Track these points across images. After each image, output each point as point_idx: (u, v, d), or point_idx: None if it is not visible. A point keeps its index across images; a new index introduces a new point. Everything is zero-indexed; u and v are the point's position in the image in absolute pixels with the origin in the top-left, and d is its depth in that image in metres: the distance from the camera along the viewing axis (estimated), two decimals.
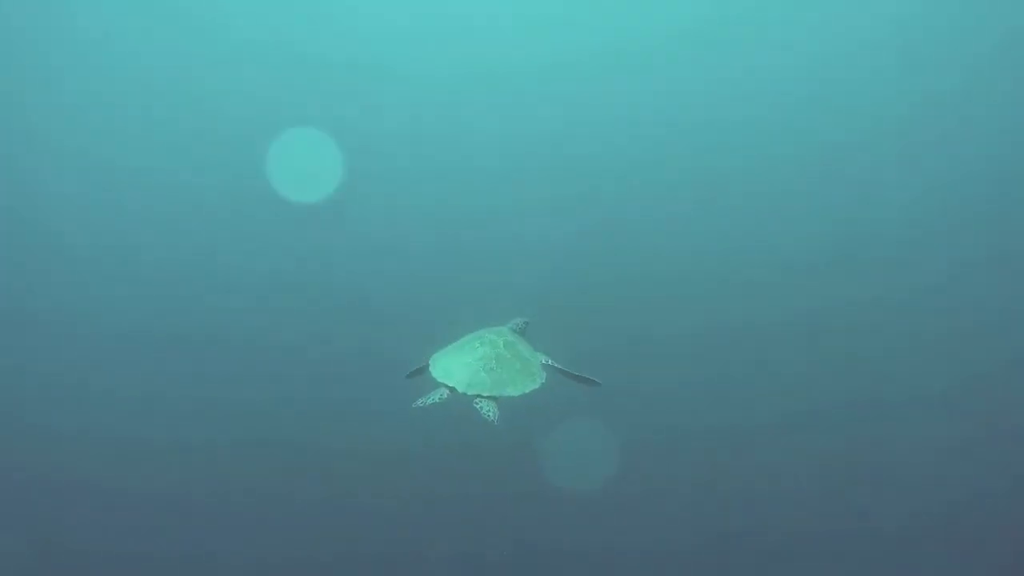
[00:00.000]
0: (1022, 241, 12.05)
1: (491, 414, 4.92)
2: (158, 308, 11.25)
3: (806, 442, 9.43)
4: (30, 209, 12.01)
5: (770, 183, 13.53)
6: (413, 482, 8.28)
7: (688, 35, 14.41)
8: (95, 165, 12.60)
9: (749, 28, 14.31)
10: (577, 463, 8.33)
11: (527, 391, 5.13)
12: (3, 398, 9.44)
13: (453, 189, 13.78)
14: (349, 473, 8.54)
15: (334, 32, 14.09)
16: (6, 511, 8.04)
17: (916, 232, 12.73)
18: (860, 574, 8.09)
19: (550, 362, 5.64)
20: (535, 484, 8.15)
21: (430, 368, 5.29)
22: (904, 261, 12.22)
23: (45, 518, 8.07)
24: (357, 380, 9.09)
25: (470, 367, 5.18)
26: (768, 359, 10.64)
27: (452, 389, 5.09)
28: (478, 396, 5.04)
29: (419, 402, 5.02)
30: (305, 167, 12.98)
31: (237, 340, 10.83)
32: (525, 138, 14.51)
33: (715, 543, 8.21)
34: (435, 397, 5.04)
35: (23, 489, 8.28)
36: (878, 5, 13.95)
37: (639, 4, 14.43)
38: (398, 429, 7.97)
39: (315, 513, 8.27)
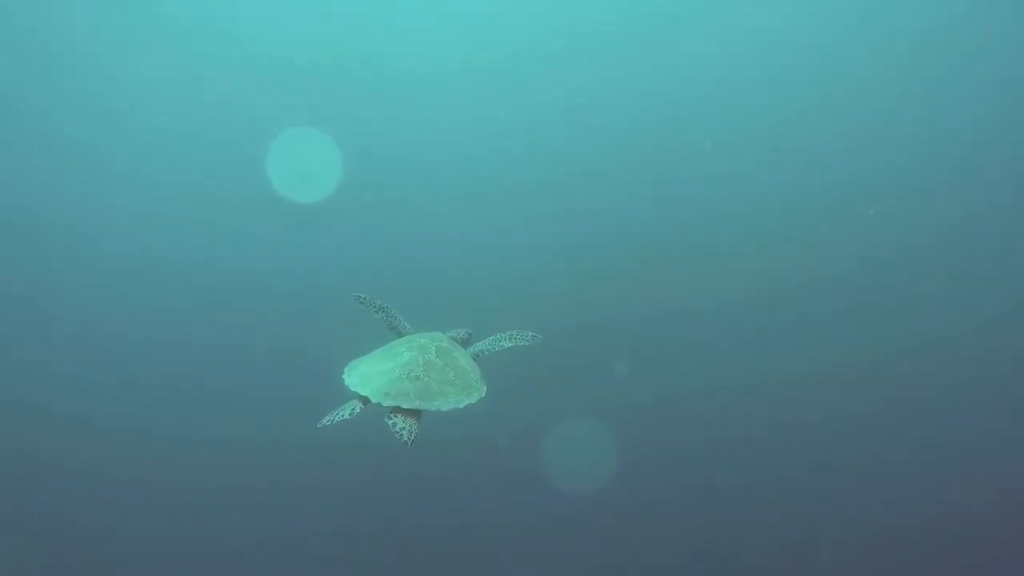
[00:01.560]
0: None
1: (406, 432, 4.04)
2: (146, 305, 11.67)
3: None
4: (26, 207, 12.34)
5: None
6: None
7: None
8: (89, 164, 12.82)
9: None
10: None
11: (460, 405, 4.25)
12: None
13: (430, 192, 13.74)
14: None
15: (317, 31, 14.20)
16: None
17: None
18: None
19: (483, 350, 4.92)
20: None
21: (344, 376, 4.45)
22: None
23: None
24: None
25: (390, 374, 4.30)
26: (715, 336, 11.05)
27: (366, 400, 4.21)
28: (396, 409, 4.14)
29: (325, 420, 4.12)
30: (289, 169, 13.16)
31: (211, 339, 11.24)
32: (507, 135, 14.47)
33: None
34: (345, 412, 4.15)
35: None
36: None
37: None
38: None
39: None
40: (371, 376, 4.34)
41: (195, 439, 9.59)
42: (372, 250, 13.02)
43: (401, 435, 4.04)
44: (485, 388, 4.50)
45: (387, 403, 4.13)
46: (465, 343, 5.10)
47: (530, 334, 4.99)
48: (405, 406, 4.13)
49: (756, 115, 13.38)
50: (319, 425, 4.10)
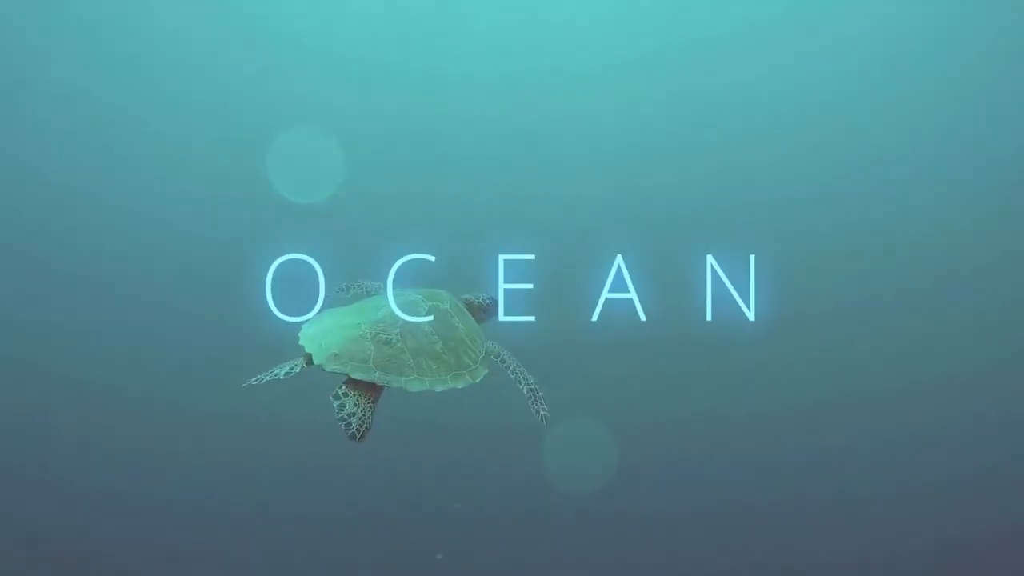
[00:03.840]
0: None
1: (355, 421, 3.03)
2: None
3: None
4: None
5: None
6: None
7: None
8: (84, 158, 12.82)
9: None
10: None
11: (437, 389, 3.21)
12: None
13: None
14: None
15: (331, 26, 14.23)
16: None
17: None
18: None
19: (501, 355, 3.69)
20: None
21: (304, 327, 3.51)
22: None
23: None
24: None
25: (353, 330, 3.30)
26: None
27: (309, 359, 3.25)
28: (349, 382, 3.14)
29: (254, 379, 3.20)
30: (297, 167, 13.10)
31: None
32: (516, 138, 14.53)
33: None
34: (280, 371, 3.23)
35: None
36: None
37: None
38: None
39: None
40: (330, 330, 3.34)
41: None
42: (373, 253, 12.75)
43: (350, 425, 3.01)
44: (485, 371, 3.47)
45: (332, 368, 3.13)
46: (481, 309, 4.09)
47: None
48: (357, 376, 3.10)
49: None
50: (243, 385, 3.22)
